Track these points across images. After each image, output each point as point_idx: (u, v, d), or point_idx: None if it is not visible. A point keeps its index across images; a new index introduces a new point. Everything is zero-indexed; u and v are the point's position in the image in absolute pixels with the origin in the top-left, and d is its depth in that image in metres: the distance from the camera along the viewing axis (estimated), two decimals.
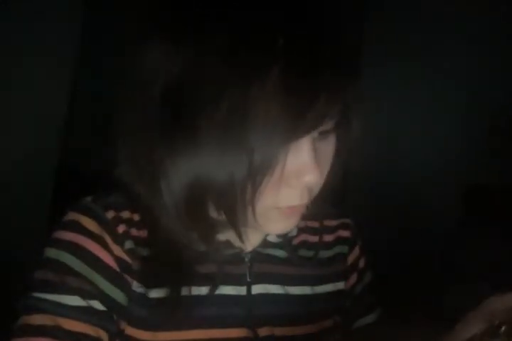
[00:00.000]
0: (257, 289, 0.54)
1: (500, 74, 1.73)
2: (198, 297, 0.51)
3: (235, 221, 0.46)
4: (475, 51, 1.76)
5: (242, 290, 0.53)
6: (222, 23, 0.42)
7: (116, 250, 0.49)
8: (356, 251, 0.64)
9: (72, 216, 0.50)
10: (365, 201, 1.75)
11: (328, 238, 0.62)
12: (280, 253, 0.57)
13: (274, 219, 0.48)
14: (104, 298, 0.48)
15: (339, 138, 0.49)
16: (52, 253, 0.49)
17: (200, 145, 0.42)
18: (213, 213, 0.47)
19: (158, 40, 0.45)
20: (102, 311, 0.47)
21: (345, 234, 0.63)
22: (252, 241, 0.55)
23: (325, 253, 0.61)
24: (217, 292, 0.51)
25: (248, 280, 0.54)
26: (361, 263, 0.64)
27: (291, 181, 0.45)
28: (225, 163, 0.42)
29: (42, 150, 1.61)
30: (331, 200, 0.65)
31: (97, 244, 0.49)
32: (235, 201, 0.44)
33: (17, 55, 1.52)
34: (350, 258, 0.63)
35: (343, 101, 0.45)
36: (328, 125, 0.46)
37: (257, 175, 0.42)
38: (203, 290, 0.51)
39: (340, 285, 0.61)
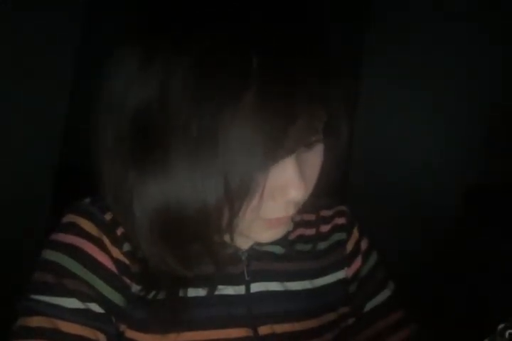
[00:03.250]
0: (256, 287, 0.53)
1: (501, 74, 1.73)
2: (197, 298, 0.50)
3: (212, 248, 0.46)
4: (475, 51, 1.76)
5: (240, 290, 0.53)
6: (192, 44, 0.39)
7: (115, 252, 0.49)
8: (355, 235, 0.63)
9: (70, 218, 0.50)
10: (365, 201, 1.75)
11: (325, 228, 0.62)
12: (277, 249, 0.56)
13: (259, 229, 0.46)
14: (102, 300, 0.47)
15: (328, 145, 0.48)
16: (50, 255, 0.48)
17: (170, 171, 0.40)
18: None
19: (129, 61, 0.42)
20: (101, 313, 0.47)
21: (340, 221, 0.63)
22: (248, 239, 0.54)
23: (322, 245, 0.60)
24: (216, 292, 0.51)
25: (246, 278, 0.53)
26: (363, 246, 0.63)
27: (276, 196, 0.44)
28: (198, 190, 0.40)
29: (42, 150, 1.61)
30: (333, 200, 0.65)
31: (95, 246, 0.48)
32: (209, 229, 0.43)
33: (17, 55, 1.52)
34: (350, 244, 0.62)
35: (328, 114, 0.43)
36: (313, 137, 0.45)
37: (234, 201, 0.40)
38: (202, 292, 0.51)
39: (340, 275, 0.60)
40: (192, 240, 0.45)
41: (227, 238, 0.45)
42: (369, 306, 0.60)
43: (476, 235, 1.58)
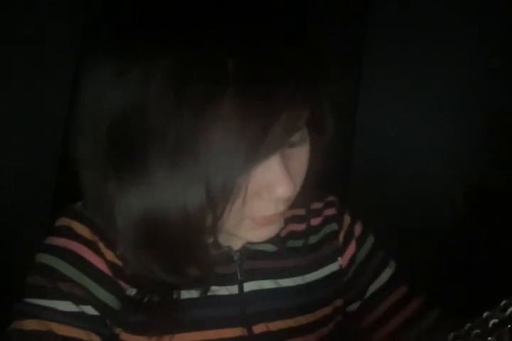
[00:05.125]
0: (249, 286, 0.53)
1: (501, 74, 1.73)
2: (191, 300, 0.50)
3: (197, 254, 0.45)
4: (475, 51, 1.76)
5: (234, 289, 0.53)
6: (168, 49, 0.38)
7: (109, 255, 0.49)
8: (346, 223, 0.62)
9: (63, 221, 0.50)
10: (365, 202, 1.75)
11: (316, 221, 0.61)
12: (269, 247, 0.56)
13: (250, 228, 0.46)
14: (97, 303, 0.47)
15: (315, 140, 0.47)
16: (44, 258, 0.48)
17: (150, 180, 0.39)
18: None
19: (106, 69, 0.41)
20: (95, 316, 0.47)
21: (330, 212, 0.62)
22: (240, 239, 0.53)
23: (314, 238, 0.60)
24: (209, 293, 0.51)
25: (239, 278, 0.53)
26: (357, 231, 0.62)
27: (263, 194, 0.42)
28: (179, 198, 0.39)
29: (42, 150, 1.61)
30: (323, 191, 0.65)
31: (89, 250, 0.48)
32: (193, 235, 0.42)
33: (17, 55, 1.52)
34: (342, 233, 0.61)
35: (310, 111, 0.42)
36: (297, 135, 0.44)
37: (217, 206, 0.39)
38: (195, 293, 0.51)
39: (333, 267, 0.60)
40: (177, 247, 0.44)
41: (213, 241, 0.44)
42: (372, 289, 0.60)
43: (476, 235, 1.58)
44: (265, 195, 0.42)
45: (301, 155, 0.45)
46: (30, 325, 0.45)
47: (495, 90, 1.74)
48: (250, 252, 0.54)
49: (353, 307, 0.61)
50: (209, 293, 0.51)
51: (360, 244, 0.62)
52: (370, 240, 0.63)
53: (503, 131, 1.72)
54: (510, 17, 1.70)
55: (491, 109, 1.74)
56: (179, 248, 0.44)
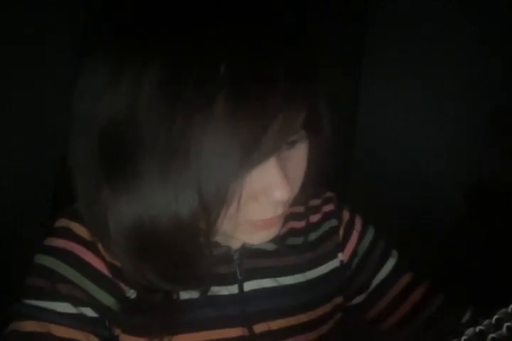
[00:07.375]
0: (249, 286, 0.53)
1: (501, 74, 1.73)
2: (190, 300, 0.50)
3: (193, 261, 0.44)
4: (475, 51, 1.76)
5: (234, 289, 0.52)
6: (163, 50, 0.37)
7: (108, 256, 0.48)
8: (345, 217, 0.62)
9: (62, 222, 0.50)
10: (365, 201, 1.75)
11: (315, 218, 0.61)
12: (269, 246, 0.55)
13: (248, 231, 0.45)
14: (96, 304, 0.47)
15: (313, 141, 0.46)
16: (43, 260, 0.48)
17: (142, 187, 0.39)
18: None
19: (99, 73, 0.40)
20: (94, 318, 0.47)
21: (329, 208, 0.62)
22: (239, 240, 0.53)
23: (314, 235, 0.60)
24: (209, 293, 0.51)
25: (239, 278, 0.53)
26: (356, 224, 0.62)
27: (260, 198, 0.42)
28: (171, 205, 0.38)
29: (42, 150, 1.61)
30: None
31: (88, 251, 0.48)
32: (187, 242, 0.42)
33: (17, 55, 1.52)
34: (342, 228, 0.61)
35: (307, 111, 0.41)
36: (293, 136, 0.43)
37: (210, 212, 0.38)
38: (195, 293, 0.50)
39: (334, 264, 0.60)
40: (171, 253, 0.43)
41: (210, 242, 0.43)
42: (376, 280, 0.60)
43: (476, 235, 1.58)
44: (262, 198, 0.42)
45: (298, 157, 0.45)
46: (29, 326, 0.45)
47: (495, 90, 1.73)
48: (250, 251, 0.54)
49: (358, 300, 0.61)
50: (209, 293, 0.51)
51: (360, 237, 0.62)
52: (370, 232, 0.63)
53: (503, 131, 1.72)
54: (510, 17, 1.70)
55: (491, 109, 1.74)
56: (173, 254, 0.43)
